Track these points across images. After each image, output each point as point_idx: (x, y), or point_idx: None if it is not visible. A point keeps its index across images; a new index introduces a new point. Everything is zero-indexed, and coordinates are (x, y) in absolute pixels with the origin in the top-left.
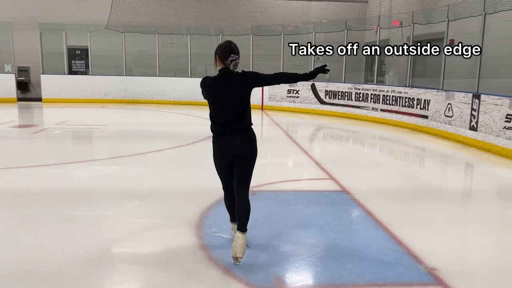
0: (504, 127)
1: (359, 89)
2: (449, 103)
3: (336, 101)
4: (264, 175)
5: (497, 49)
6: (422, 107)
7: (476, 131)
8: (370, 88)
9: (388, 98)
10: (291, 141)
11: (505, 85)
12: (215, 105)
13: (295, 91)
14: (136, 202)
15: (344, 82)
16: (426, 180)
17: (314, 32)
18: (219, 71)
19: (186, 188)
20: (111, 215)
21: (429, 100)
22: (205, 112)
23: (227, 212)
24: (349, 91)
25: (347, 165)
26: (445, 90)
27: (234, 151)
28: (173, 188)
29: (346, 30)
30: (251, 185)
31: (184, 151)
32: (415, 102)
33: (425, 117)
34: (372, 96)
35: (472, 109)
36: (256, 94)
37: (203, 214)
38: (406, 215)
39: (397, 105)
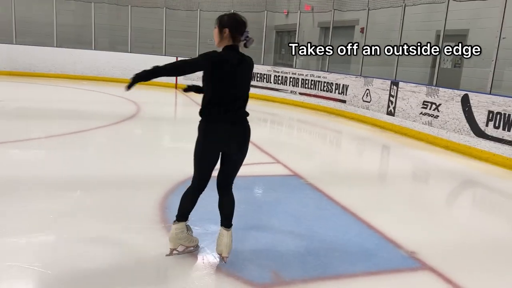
0: (421, 113)
1: (278, 72)
2: (367, 89)
3: (254, 82)
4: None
5: (414, 39)
6: (340, 91)
7: (394, 116)
8: (290, 72)
9: (307, 82)
10: None
11: (421, 74)
12: (234, 87)
13: None
14: (78, 193)
15: (263, 64)
16: (363, 162)
17: (232, 10)
18: (227, 48)
19: (131, 175)
20: (55, 210)
21: (348, 85)
22: (113, 88)
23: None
24: (268, 73)
25: (284, 148)
26: (364, 76)
27: (240, 141)
28: (116, 175)
29: (266, 12)
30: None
31: (109, 133)
32: (333, 87)
33: (343, 101)
34: (291, 80)
35: (390, 95)
36: None
37: (163, 205)
38: (363, 198)
39: (316, 89)
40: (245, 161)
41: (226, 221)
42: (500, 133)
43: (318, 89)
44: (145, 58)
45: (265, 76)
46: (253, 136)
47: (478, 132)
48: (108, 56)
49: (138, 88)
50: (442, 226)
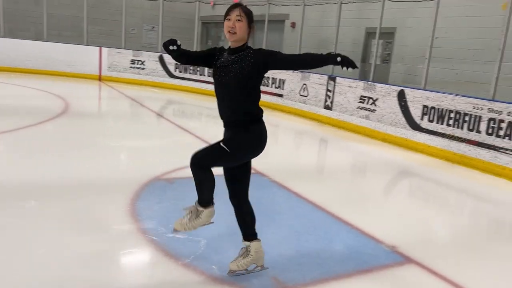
0: (358, 107)
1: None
2: (304, 84)
3: (187, 75)
4: (162, 159)
5: (345, 36)
6: (277, 86)
7: (331, 110)
8: None
9: None
10: (161, 118)
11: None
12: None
13: (140, 62)
14: (33, 203)
15: None
16: (312, 157)
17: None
18: (247, 45)
19: (86, 179)
20: (8, 223)
21: (285, 80)
22: (33, 81)
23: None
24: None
25: None
26: (301, 71)
27: None
28: (68, 180)
29: (197, 2)
30: (161, 173)
31: (43, 132)
32: (270, 81)
33: (280, 95)
34: None
35: (328, 90)
36: (92, 62)
37: (133, 211)
38: (327, 193)
39: None
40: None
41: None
42: (434, 126)
43: None
44: (63, 48)
45: (198, 69)
46: (203, 133)
47: (414, 125)
48: (21, 44)
49: (55, 80)
50: (406, 218)
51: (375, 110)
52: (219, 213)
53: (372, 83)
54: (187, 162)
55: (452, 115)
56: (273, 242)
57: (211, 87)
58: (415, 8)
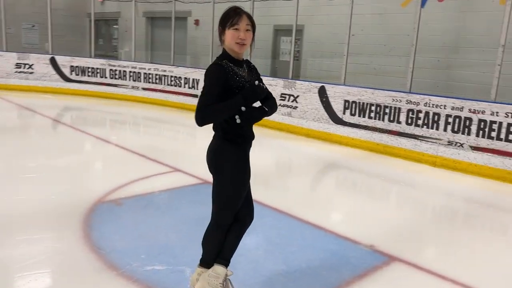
0: (280, 105)
1: (114, 66)
2: None
3: (85, 78)
4: (94, 178)
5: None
6: (191, 86)
7: None
8: (129, 65)
9: (151, 76)
10: (70, 128)
11: (263, 66)
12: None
13: (27, 65)
14: None
15: (94, 57)
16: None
17: None
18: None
19: (13, 215)
20: None
21: (199, 80)
22: None
23: (206, 252)
24: (102, 67)
25: (168, 152)
26: None
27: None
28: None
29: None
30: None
31: None
32: (182, 81)
33: (195, 96)
34: (132, 74)
35: None
36: None
37: (91, 245)
38: (283, 196)
39: (162, 84)
40: (142, 174)
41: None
42: (356, 119)
43: (164, 84)
44: None
45: (98, 71)
46: (126, 143)
47: (337, 120)
48: None
49: None
50: (360, 213)
51: (296, 107)
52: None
53: (292, 80)
54: (124, 178)
55: (373, 108)
56: (259, 258)
57: (114, 90)
58: (322, 5)
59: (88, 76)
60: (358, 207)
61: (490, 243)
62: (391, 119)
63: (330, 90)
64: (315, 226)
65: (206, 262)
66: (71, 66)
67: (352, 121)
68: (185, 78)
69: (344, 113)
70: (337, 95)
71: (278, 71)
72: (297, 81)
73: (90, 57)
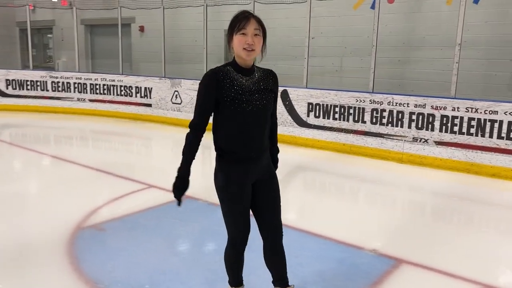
0: None
1: (56, 78)
2: (176, 91)
3: (24, 92)
4: (64, 202)
5: (188, 38)
6: (143, 95)
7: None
8: (73, 76)
9: (98, 87)
10: (21, 149)
11: (199, 71)
12: None
13: None
14: None
15: (33, 69)
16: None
17: None
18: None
19: None
20: None
21: (151, 88)
22: None
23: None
24: (42, 79)
25: (136, 167)
26: (170, 78)
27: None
28: None
29: (27, 7)
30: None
31: None
32: (134, 91)
33: (149, 105)
34: (76, 86)
35: None
36: None
37: (86, 279)
38: None
39: (111, 94)
40: (115, 194)
41: (284, 279)
42: (321, 121)
43: (114, 94)
44: None
45: (39, 83)
46: (84, 160)
47: (301, 123)
48: None
49: None
50: (349, 216)
51: None
52: None
53: None
54: (97, 199)
55: (337, 109)
56: (267, 274)
57: (58, 103)
58: (277, 9)
59: (27, 89)
60: (343, 210)
61: (482, 236)
62: (356, 119)
63: (293, 93)
64: (312, 234)
65: (229, 282)
66: (7, 80)
67: (317, 123)
68: (137, 87)
69: (308, 115)
70: (300, 98)
71: None
72: None
73: (28, 69)
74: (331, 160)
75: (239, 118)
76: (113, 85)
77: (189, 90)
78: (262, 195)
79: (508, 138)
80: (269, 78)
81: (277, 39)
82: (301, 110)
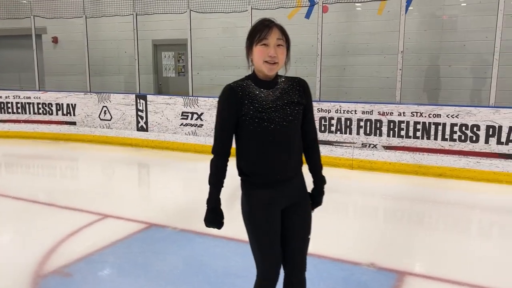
0: (182, 124)
1: None
2: (104, 106)
3: None
4: (17, 246)
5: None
6: (65, 112)
7: (147, 131)
8: None
9: (10, 105)
10: None
11: (112, 83)
12: None
13: None
14: None
15: None
16: (166, 186)
17: None
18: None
19: None
20: None
21: (75, 104)
22: None
23: None
24: None
25: (80, 195)
26: (96, 92)
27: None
28: None
29: None
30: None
31: None
32: (54, 108)
33: (73, 123)
34: None
35: (138, 110)
36: None
37: None
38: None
39: (27, 113)
40: (67, 229)
41: None
42: None
43: (30, 113)
44: None
45: None
46: (14, 191)
47: None
48: None
49: None
50: (331, 230)
51: (202, 124)
52: None
53: (193, 97)
54: (47, 238)
55: None
56: None
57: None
58: (206, 19)
59: None
60: (320, 224)
61: (463, 237)
62: None
63: None
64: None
65: None
66: None
67: None
68: (57, 104)
69: None
70: None
71: (162, 87)
72: (199, 98)
73: None
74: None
75: (261, 138)
76: (29, 103)
77: (120, 105)
78: (288, 222)
79: (451, 139)
80: (295, 88)
81: (216, 49)
82: None
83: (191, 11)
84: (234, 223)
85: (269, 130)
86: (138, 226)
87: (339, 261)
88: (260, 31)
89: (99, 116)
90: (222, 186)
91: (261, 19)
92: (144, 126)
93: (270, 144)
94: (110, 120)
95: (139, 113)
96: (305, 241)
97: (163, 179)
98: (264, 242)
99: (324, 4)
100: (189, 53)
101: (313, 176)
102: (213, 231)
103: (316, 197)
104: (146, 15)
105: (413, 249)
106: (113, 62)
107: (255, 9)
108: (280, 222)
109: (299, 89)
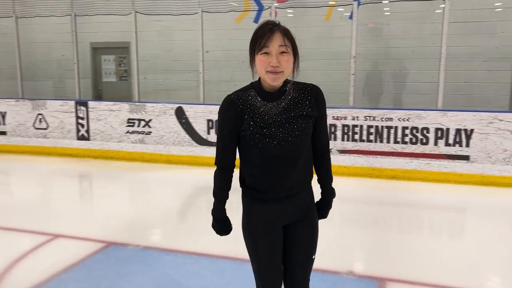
0: (128, 132)
1: None
2: (39, 114)
3: None
4: None
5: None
6: None
7: (89, 140)
8: None
9: None
10: None
11: (46, 89)
12: None
13: None
14: None
15: None
16: (119, 200)
17: None
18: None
19: None
20: None
21: (5, 112)
22: None
23: None
24: None
25: (8, 208)
26: (30, 99)
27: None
28: None
29: None
30: None
31: None
32: None
33: (3, 133)
34: None
35: (79, 117)
36: None
37: None
38: (202, 235)
39: None
40: (14, 252)
41: None
42: None
43: None
44: None
45: None
46: None
47: (201, 141)
48: None
49: None
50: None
51: (150, 132)
52: None
53: (140, 103)
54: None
55: None
56: None
57: None
58: (148, 21)
59: None
60: None
61: (434, 238)
62: None
63: (189, 110)
64: None
65: None
66: None
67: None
68: None
69: (208, 133)
70: (198, 115)
71: (102, 93)
72: (147, 104)
73: None
74: (236, 178)
75: (263, 154)
76: None
77: (58, 112)
78: (291, 240)
79: (403, 142)
80: (306, 99)
81: (162, 52)
82: (200, 127)
83: (136, 13)
84: (204, 237)
85: (272, 147)
86: (94, 245)
87: (318, 271)
88: (261, 37)
89: (33, 124)
90: (227, 198)
91: (264, 22)
92: (86, 135)
93: (272, 160)
94: (46, 129)
95: (80, 120)
96: (309, 261)
97: (111, 192)
98: (263, 260)
99: (270, 9)
100: (134, 57)
101: (321, 187)
102: (180, 247)
103: (321, 210)
104: (86, 16)
105: (386, 253)
106: (44, 66)
107: (205, 11)
108: (282, 240)
109: (310, 99)
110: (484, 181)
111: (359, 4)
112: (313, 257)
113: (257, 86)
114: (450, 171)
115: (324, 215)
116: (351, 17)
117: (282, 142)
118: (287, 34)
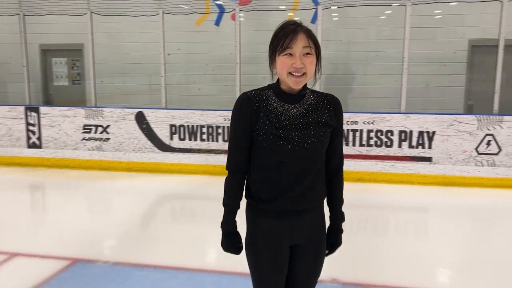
0: (84, 139)
1: None
2: None
3: None
4: None
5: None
6: None
7: (41, 148)
8: None
9: None
10: None
11: (17, 94)
12: None
13: None
14: None
15: None
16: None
17: None
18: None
19: None
20: None
21: None
22: None
23: None
24: None
25: None
26: None
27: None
28: None
29: None
30: None
31: None
32: None
33: None
34: None
35: (29, 124)
36: None
37: None
38: (174, 247)
39: None
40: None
41: None
42: (187, 143)
43: None
44: None
45: None
46: None
47: (163, 147)
48: None
49: None
50: None
51: (108, 138)
52: None
53: (97, 108)
54: None
55: (204, 129)
56: None
57: None
58: (102, 22)
59: None
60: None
61: (405, 240)
62: (226, 139)
63: (151, 115)
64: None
65: None
66: None
67: (182, 146)
68: None
69: (171, 138)
70: (160, 120)
71: (53, 98)
72: (105, 109)
73: None
74: (203, 184)
75: (275, 158)
76: None
77: (5, 118)
78: (296, 263)
79: (368, 145)
80: (325, 107)
81: (120, 55)
82: (163, 133)
83: (92, 13)
84: (175, 249)
85: (285, 151)
86: (59, 263)
87: None
88: (284, 38)
89: None
90: (238, 208)
91: (285, 22)
92: (37, 143)
93: (284, 166)
94: None
95: (30, 127)
96: (312, 285)
97: (67, 204)
98: (265, 281)
99: (235, 12)
100: (89, 59)
101: (330, 211)
102: (150, 261)
103: (332, 236)
104: (36, 15)
105: (364, 258)
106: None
107: (166, 13)
108: (287, 259)
109: (329, 108)
110: (446, 182)
111: (315, 13)
112: (316, 280)
113: (275, 87)
114: (414, 172)
115: (336, 242)
116: (313, 21)
117: (296, 148)
118: (310, 35)
